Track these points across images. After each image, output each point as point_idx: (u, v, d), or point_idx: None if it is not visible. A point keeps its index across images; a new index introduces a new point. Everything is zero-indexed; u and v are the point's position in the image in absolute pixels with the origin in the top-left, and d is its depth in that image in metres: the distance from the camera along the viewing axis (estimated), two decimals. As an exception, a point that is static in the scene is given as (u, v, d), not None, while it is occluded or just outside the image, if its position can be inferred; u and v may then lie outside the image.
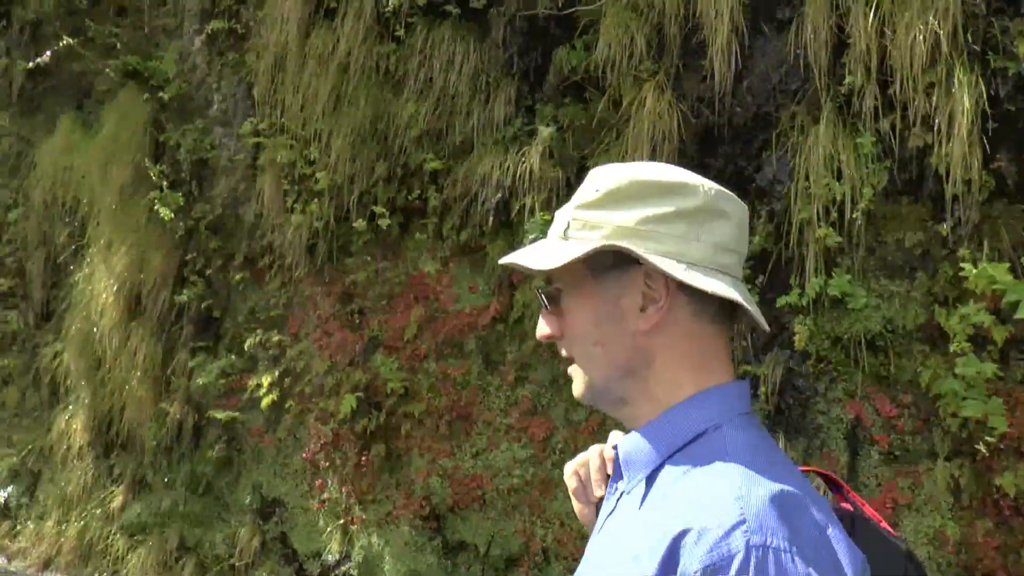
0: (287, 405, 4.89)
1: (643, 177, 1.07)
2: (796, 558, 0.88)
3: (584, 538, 4.08)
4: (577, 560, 4.28)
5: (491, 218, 4.19)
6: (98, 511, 5.75)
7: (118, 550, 5.58)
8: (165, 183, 5.27)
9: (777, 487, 0.94)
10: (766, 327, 1.10)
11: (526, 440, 4.25)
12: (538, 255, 1.10)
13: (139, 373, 5.39)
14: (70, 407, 5.91)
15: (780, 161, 3.75)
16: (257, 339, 4.99)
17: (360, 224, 4.46)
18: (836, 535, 0.95)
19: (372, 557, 4.60)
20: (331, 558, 4.74)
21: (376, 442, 4.56)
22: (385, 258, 4.61)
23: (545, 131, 4.04)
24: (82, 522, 5.79)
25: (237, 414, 5.05)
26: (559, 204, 4.20)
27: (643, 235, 1.04)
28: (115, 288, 5.45)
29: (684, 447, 1.03)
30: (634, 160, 3.91)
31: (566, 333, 1.13)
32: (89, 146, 5.93)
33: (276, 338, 4.96)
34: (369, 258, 4.62)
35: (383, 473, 4.59)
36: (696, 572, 0.89)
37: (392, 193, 4.46)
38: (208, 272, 5.25)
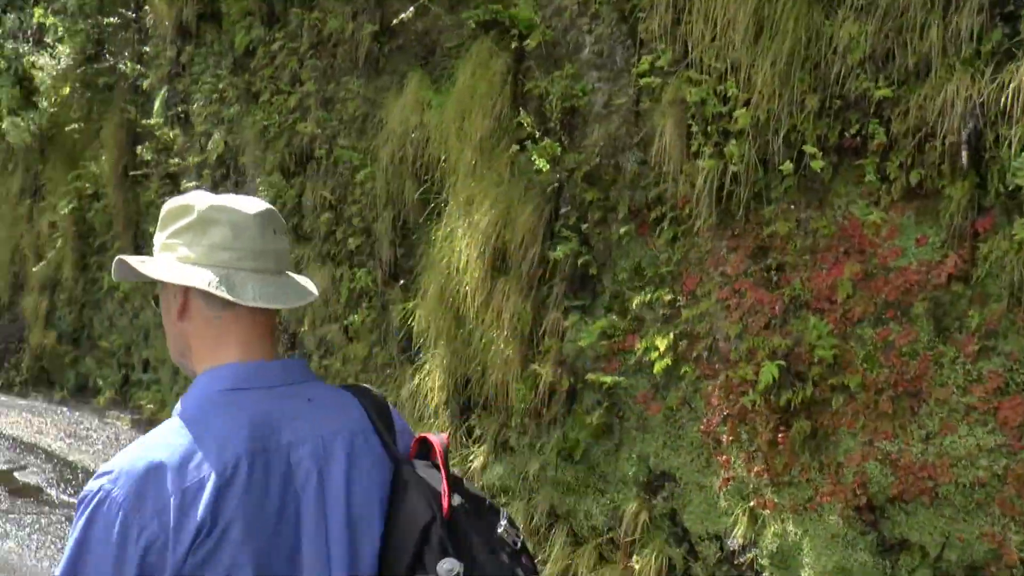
0: (682, 371, 4.47)
1: (169, 206, 1.42)
2: (121, 509, 1.20)
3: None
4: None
5: (963, 153, 3.53)
6: (455, 469, 5.63)
7: (481, 514, 5.43)
8: (537, 133, 4.98)
9: (150, 458, 1.24)
10: (262, 305, 1.37)
11: (994, 425, 3.58)
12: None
13: (505, 333, 5.17)
14: (426, 365, 5.83)
15: None
16: (645, 298, 4.60)
17: (786, 167, 3.92)
18: (181, 504, 1.20)
19: (788, 547, 4.10)
20: (735, 543, 4.30)
21: (798, 417, 4.04)
22: (810, 206, 4.05)
23: (1047, 45, 3.32)
24: (440, 483, 5.70)
25: (621, 379, 4.70)
26: (1059, 135, 3.49)
27: (170, 247, 1.40)
28: (479, 245, 5.25)
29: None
30: None
31: None
32: (441, 102, 5.78)
33: (668, 297, 4.54)
34: (792, 206, 4.08)
35: (804, 453, 4.07)
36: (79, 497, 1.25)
37: (824, 129, 3.88)
38: (583, 227, 4.92)
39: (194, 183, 9.13)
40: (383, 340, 6.44)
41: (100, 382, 11.39)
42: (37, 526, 6.16)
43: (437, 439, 1.44)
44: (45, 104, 11.55)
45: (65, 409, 11.39)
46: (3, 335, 13.41)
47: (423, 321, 5.82)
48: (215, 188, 8.87)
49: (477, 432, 5.53)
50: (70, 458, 8.16)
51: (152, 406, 10.05)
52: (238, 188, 8.49)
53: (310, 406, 1.39)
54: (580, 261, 4.90)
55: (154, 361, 10.54)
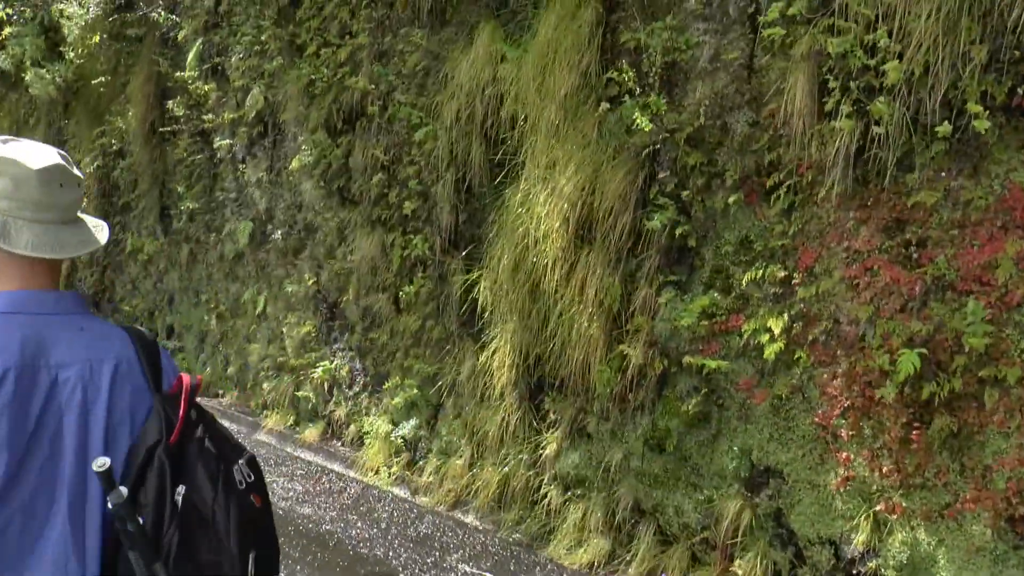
0: (795, 356, 4.02)
1: None
2: None
3: None
4: None
5: None
6: (523, 456, 5.21)
7: (550, 501, 5.01)
8: (638, 90, 4.50)
9: None
10: (32, 254, 1.52)
11: None
12: None
13: (589, 309, 4.72)
14: (494, 341, 5.37)
15: None
16: (754, 274, 4.14)
17: (943, 128, 3.44)
18: None
19: (920, 558, 3.66)
20: (854, 550, 3.86)
21: (938, 413, 3.59)
22: (962, 174, 3.57)
23: None
24: (504, 466, 5.28)
25: (723, 363, 4.25)
26: None
27: None
28: (561, 212, 4.79)
29: None
30: None
31: None
32: (518, 56, 5.30)
33: (780, 274, 4.08)
34: (941, 173, 3.60)
35: (941, 453, 3.62)
36: None
37: (990, 86, 3.40)
38: (683, 193, 4.45)
39: (227, 140, 8.67)
40: (439, 313, 5.99)
41: (121, 347, 11.00)
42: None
43: (188, 377, 1.58)
44: (72, 55, 11.07)
45: (85, 374, 11.00)
46: (20, 295, 13.04)
47: (490, 294, 5.37)
48: (251, 146, 8.39)
49: (551, 417, 5.08)
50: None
51: (176, 374, 9.65)
52: (276, 146, 8.03)
53: (81, 334, 1.55)
54: (678, 232, 4.43)
55: (178, 327, 10.12)
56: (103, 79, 10.79)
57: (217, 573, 1.46)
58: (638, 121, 4.33)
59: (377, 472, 6.22)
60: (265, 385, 7.99)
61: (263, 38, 7.78)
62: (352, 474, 6.37)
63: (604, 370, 4.68)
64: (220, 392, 9.08)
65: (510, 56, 5.33)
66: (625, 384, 4.63)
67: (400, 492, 6.00)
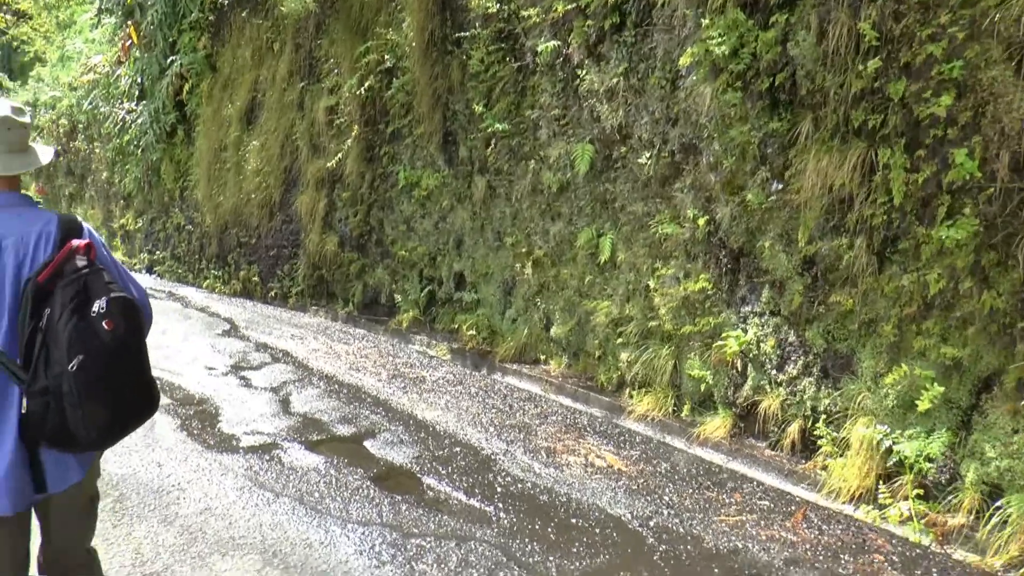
0: None
1: None
2: None
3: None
4: None
5: None
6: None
7: None
8: None
9: None
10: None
11: None
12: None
13: None
14: None
15: None
16: None
17: None
18: None
19: None
20: None
21: None
22: None
23: None
24: None
25: None
26: None
27: None
28: None
29: None
30: None
31: None
32: None
33: None
34: None
35: None
36: None
37: None
38: None
39: (552, 42, 6.77)
40: (992, 270, 3.86)
41: (398, 298, 9.51)
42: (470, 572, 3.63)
43: (75, 241, 2.34)
44: (334, -41, 9.54)
45: (361, 331, 9.57)
46: (275, 239, 11.79)
47: None
48: (597, 44, 6.45)
49: None
50: (418, 415, 6.04)
51: (475, 333, 8.00)
52: (639, 42, 6.03)
53: (19, 218, 2.38)
54: None
55: (471, 276, 8.47)
56: (369, -13, 9.22)
57: (61, 371, 2.18)
58: None
59: (872, 503, 4.23)
60: (623, 355, 6.16)
61: None
62: (818, 499, 4.41)
63: None
64: (542, 357, 7.36)
65: None
66: None
67: (917, 538, 3.99)
